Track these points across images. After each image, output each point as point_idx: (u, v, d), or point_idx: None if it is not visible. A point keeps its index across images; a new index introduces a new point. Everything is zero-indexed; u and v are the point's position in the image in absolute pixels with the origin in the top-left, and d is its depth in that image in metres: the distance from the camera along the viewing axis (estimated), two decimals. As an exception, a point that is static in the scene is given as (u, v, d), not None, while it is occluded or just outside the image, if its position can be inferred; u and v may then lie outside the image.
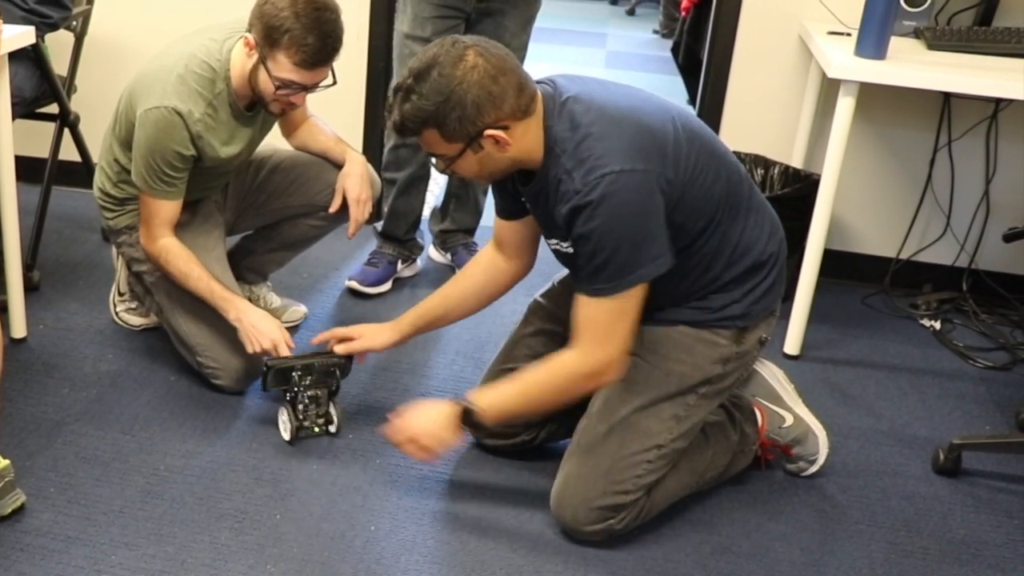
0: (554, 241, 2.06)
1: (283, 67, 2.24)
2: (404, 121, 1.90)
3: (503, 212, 2.23)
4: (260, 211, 2.71)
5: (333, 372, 2.36)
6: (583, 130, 1.90)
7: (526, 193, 2.06)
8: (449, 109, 1.86)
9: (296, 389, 2.33)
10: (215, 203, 2.65)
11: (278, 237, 2.76)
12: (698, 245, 2.01)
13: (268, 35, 2.22)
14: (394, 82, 1.98)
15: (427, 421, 2.06)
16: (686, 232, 1.98)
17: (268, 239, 2.77)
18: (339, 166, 2.62)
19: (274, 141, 2.68)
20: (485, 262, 2.31)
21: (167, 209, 2.40)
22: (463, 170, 1.99)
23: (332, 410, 2.37)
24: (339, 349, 2.35)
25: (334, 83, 2.33)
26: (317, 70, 2.27)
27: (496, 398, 2.05)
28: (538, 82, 1.99)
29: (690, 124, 2.01)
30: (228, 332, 2.43)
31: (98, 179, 2.56)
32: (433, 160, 2.01)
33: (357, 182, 2.57)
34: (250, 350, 2.39)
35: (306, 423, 2.35)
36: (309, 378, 2.32)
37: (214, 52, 2.34)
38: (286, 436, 2.34)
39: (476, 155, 1.93)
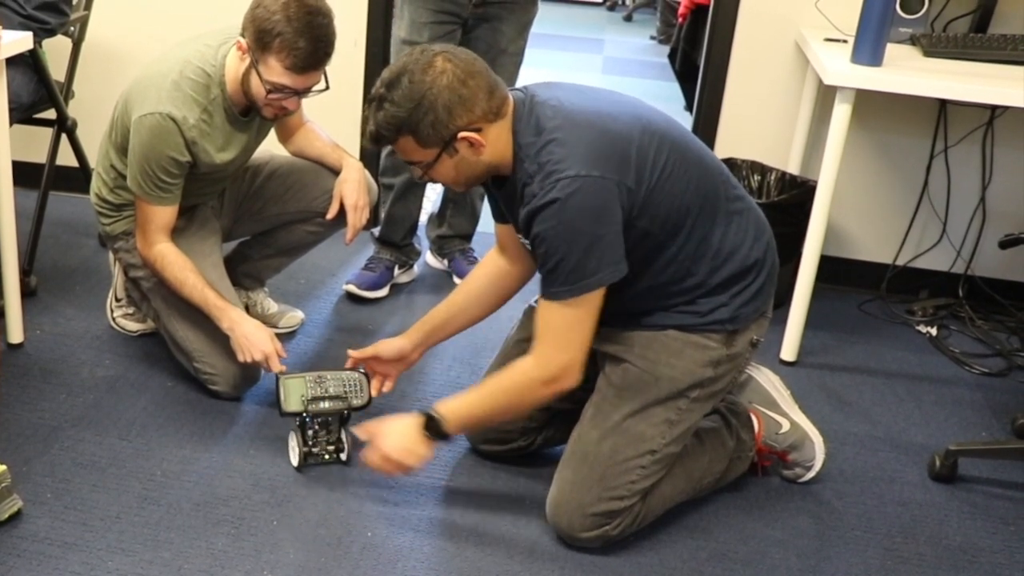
0: (526, 242, 2.07)
1: (274, 71, 2.24)
2: (379, 130, 1.94)
3: (496, 216, 2.26)
4: (257, 217, 2.72)
5: (346, 393, 2.31)
6: (546, 135, 1.92)
7: (500, 197, 2.09)
8: (422, 114, 1.89)
9: (305, 413, 2.27)
10: (212, 209, 2.65)
11: (275, 243, 2.76)
12: (672, 251, 2.02)
13: (260, 39, 2.22)
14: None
15: (397, 437, 2.07)
16: (653, 237, 1.99)
17: (265, 245, 2.78)
18: (336, 172, 2.62)
19: (270, 147, 2.69)
20: (489, 266, 2.33)
21: (163, 215, 2.40)
22: (440, 175, 2.01)
23: (343, 437, 2.31)
24: (351, 353, 2.35)
25: (327, 88, 2.33)
26: (309, 74, 2.27)
27: (458, 406, 2.06)
28: (511, 89, 2.03)
29: (661, 130, 2.01)
30: (225, 338, 2.42)
31: (95, 185, 2.57)
32: (412, 167, 2.03)
33: (355, 188, 2.56)
34: (241, 359, 2.39)
35: (315, 449, 2.29)
36: (325, 398, 2.28)
37: (209, 58, 2.34)
38: (294, 462, 2.30)
39: (452, 159, 1.96)
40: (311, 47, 2.22)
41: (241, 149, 2.47)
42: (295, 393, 2.28)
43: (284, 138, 2.69)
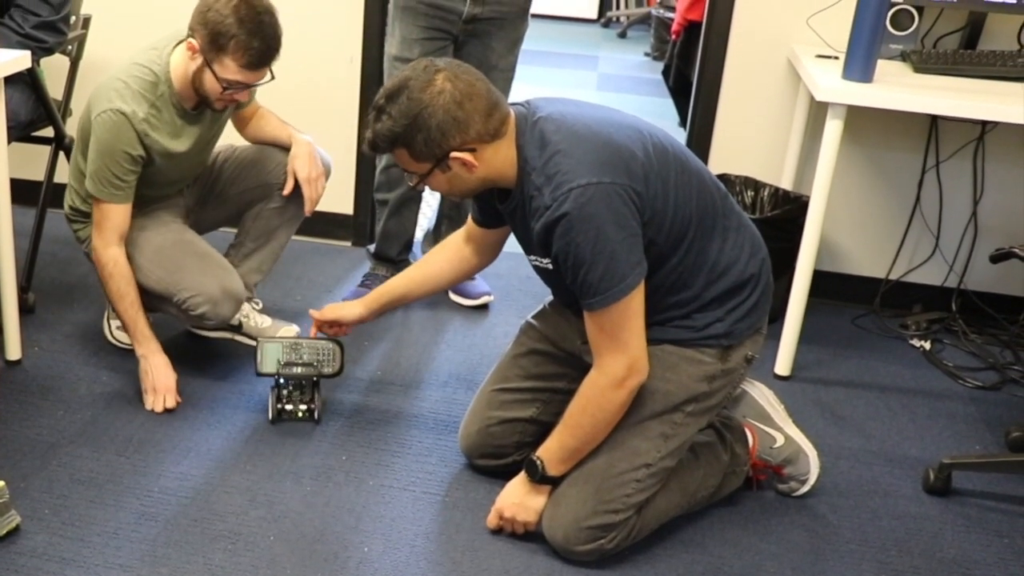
0: (533, 257, 2.09)
1: (229, 69, 2.39)
2: (375, 139, 2.00)
3: (479, 222, 2.32)
4: (220, 199, 2.80)
5: (319, 362, 2.50)
6: (551, 148, 1.95)
7: (504, 211, 2.12)
8: (415, 131, 1.94)
9: (279, 373, 2.47)
10: (175, 207, 2.74)
11: (246, 236, 2.81)
12: (673, 263, 2.04)
13: (214, 40, 2.36)
14: None
15: (509, 496, 2.16)
16: (657, 247, 2.00)
17: (241, 244, 2.82)
18: (288, 149, 2.72)
19: (232, 140, 2.79)
20: (452, 251, 2.41)
21: (117, 213, 2.50)
22: (434, 187, 2.07)
23: (316, 398, 2.50)
24: (313, 313, 2.47)
25: (272, 78, 2.46)
26: (261, 70, 2.43)
27: (550, 444, 2.12)
28: (513, 104, 2.06)
29: (662, 145, 2.04)
30: (195, 259, 2.55)
31: (68, 197, 2.69)
32: (407, 174, 2.08)
33: (305, 161, 2.68)
34: (144, 385, 2.52)
35: (288, 406, 2.50)
36: (298, 364, 2.48)
37: (155, 59, 2.49)
38: (269, 416, 2.50)
39: (445, 174, 2.01)
40: (264, 45, 2.38)
41: (195, 140, 2.59)
42: (271, 356, 2.50)
43: (241, 127, 2.80)
